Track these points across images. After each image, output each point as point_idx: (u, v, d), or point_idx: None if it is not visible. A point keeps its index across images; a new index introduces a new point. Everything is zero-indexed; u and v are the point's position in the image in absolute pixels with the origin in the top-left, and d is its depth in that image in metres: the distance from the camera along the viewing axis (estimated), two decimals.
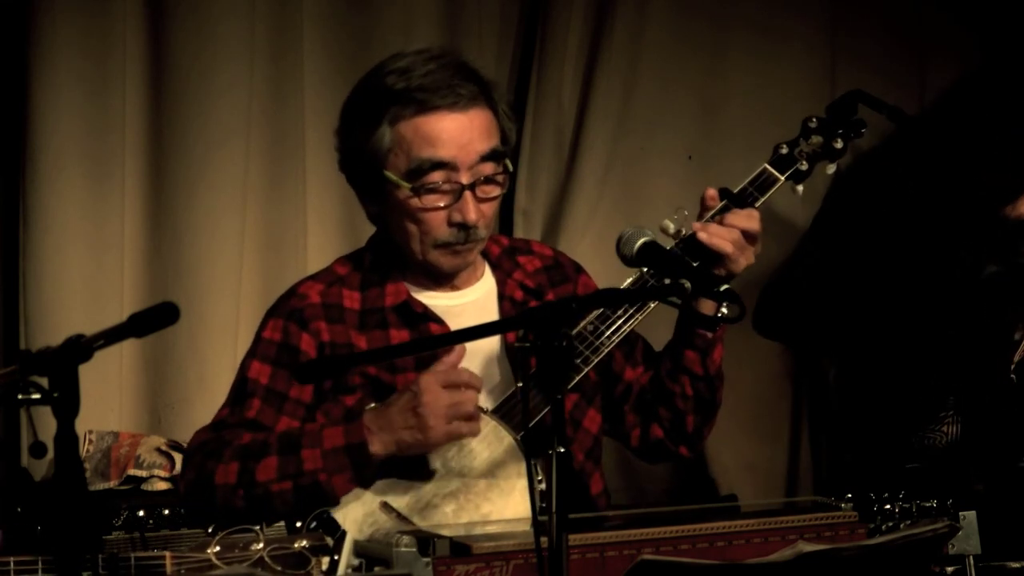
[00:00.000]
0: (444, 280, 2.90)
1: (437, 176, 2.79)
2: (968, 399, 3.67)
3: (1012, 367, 3.64)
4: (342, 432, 2.67)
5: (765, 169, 2.97)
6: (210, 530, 2.19)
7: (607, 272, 3.27)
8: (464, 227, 2.80)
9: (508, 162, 2.86)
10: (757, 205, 2.92)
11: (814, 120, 3.02)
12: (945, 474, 3.61)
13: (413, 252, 2.85)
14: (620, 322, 2.84)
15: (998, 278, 3.67)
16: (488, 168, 2.81)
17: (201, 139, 3.87)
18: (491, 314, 2.89)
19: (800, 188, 3.00)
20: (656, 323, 2.93)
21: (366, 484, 2.68)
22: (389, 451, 2.66)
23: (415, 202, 2.81)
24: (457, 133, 2.78)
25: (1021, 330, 3.68)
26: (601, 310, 2.84)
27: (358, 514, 2.67)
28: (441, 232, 2.82)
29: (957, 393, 3.67)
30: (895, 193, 3.80)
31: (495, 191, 2.83)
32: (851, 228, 3.83)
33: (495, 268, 2.97)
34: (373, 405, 2.72)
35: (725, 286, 2.84)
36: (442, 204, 2.80)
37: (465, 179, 2.79)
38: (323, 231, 4.05)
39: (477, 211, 2.80)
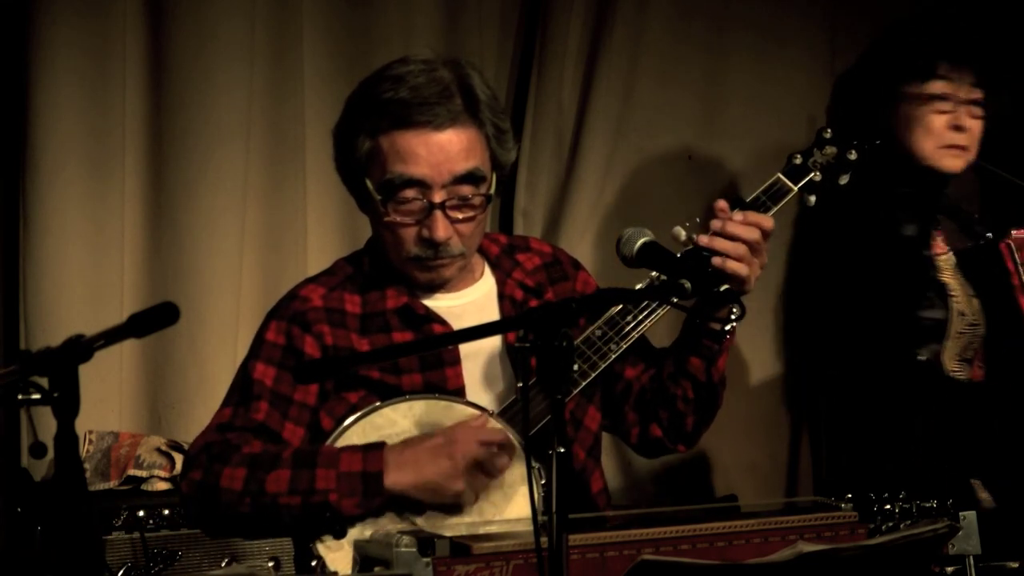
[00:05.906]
0: (436, 284, 2.88)
1: (409, 193, 2.77)
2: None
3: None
4: (360, 458, 2.65)
5: (778, 179, 2.96)
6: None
7: (607, 272, 3.27)
8: (433, 244, 2.79)
9: (492, 184, 2.82)
10: (769, 215, 2.91)
11: (828, 131, 3.01)
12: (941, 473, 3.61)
13: (392, 261, 2.85)
14: (630, 328, 2.84)
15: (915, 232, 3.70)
16: (465, 190, 2.78)
17: (201, 139, 3.86)
18: (492, 314, 2.88)
19: (812, 199, 3.00)
20: (656, 321, 2.92)
21: (374, 513, 2.66)
22: (403, 488, 2.64)
23: (385, 216, 2.80)
24: (431, 151, 2.75)
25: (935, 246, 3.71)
26: (611, 316, 2.83)
27: None
28: (411, 247, 2.80)
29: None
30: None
31: (471, 213, 2.79)
32: (826, 229, 3.83)
33: (494, 268, 2.96)
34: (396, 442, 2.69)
35: (725, 286, 2.83)
36: (410, 221, 2.78)
37: (437, 198, 2.76)
38: (323, 231, 4.05)
39: (447, 229, 2.77)
